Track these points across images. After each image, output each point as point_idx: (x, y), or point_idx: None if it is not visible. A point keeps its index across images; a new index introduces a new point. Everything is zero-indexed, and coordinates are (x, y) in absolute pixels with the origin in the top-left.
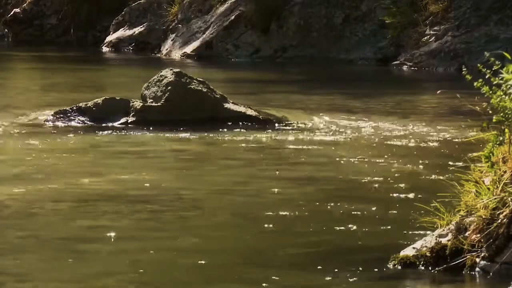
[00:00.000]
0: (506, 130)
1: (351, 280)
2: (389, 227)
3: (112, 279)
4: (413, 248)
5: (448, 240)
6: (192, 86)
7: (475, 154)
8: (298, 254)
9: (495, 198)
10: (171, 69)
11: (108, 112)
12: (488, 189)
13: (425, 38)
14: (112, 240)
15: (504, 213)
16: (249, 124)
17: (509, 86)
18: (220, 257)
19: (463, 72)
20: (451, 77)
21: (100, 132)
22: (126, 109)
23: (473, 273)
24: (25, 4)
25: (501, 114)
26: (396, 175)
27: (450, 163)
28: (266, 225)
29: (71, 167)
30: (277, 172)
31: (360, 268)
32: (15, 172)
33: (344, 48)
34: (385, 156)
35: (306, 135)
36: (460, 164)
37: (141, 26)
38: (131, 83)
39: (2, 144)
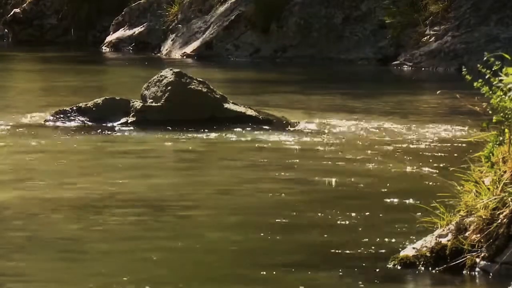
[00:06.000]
0: (506, 130)
1: (351, 280)
2: (389, 227)
3: (112, 279)
4: (413, 248)
5: (448, 240)
6: (192, 86)
7: (475, 154)
8: (298, 254)
9: (495, 198)
10: (171, 69)
11: (108, 112)
12: (488, 189)
13: (425, 38)
14: (112, 240)
15: (504, 213)
16: (249, 124)
17: (508, 87)
18: (220, 257)
19: (463, 72)
20: (451, 77)
21: (100, 132)
22: (126, 109)
23: (473, 273)
24: (25, 4)
25: (501, 114)
26: (396, 175)
27: (450, 163)
28: (265, 225)
29: (71, 167)
30: (276, 174)
31: (360, 268)
32: (15, 172)
33: (344, 48)
34: (385, 156)
35: (306, 135)
36: (460, 164)
37: (141, 26)
38: (131, 83)
39: (2, 144)
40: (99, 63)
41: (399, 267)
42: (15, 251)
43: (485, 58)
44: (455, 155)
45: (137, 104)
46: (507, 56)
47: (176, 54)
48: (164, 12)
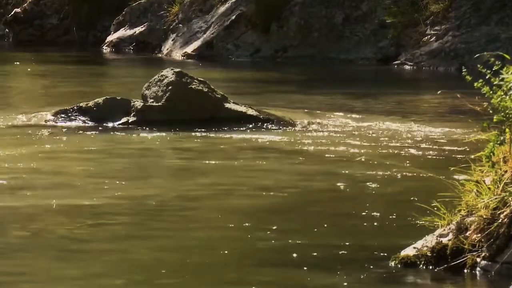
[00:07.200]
0: (507, 129)
1: (351, 280)
2: (389, 227)
3: (112, 279)
4: (414, 247)
5: (449, 240)
6: (193, 86)
7: (476, 154)
8: (298, 254)
9: (496, 198)
10: (171, 69)
11: (109, 112)
12: (489, 188)
13: (426, 38)
14: (112, 240)
15: (505, 213)
16: (250, 124)
17: (509, 86)
18: (220, 257)
19: (463, 73)
20: (452, 77)
21: (101, 132)
22: (127, 109)
23: (473, 272)
24: (25, 4)
25: (502, 114)
26: (396, 174)
27: (451, 163)
28: (266, 225)
29: (72, 166)
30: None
31: (360, 268)
32: (15, 172)
33: (344, 48)
34: (386, 156)
35: (307, 135)
36: (461, 164)
37: (141, 26)
38: (132, 83)
39: (3, 144)
40: (100, 63)
41: (400, 267)
42: (15, 250)
43: (476, 56)
44: (456, 154)
45: (138, 104)
46: (506, 56)
47: (177, 54)
48: (165, 12)
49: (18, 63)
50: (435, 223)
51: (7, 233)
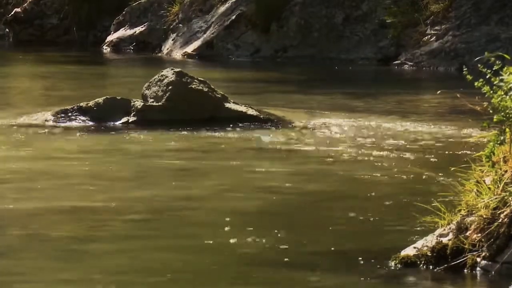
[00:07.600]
0: (507, 129)
1: (351, 280)
2: (390, 227)
3: (112, 279)
4: (414, 247)
5: (449, 240)
6: (193, 86)
7: (476, 153)
8: (298, 254)
9: (496, 198)
10: (172, 69)
11: (109, 112)
12: (489, 188)
13: (426, 37)
14: (113, 240)
15: (505, 213)
16: (250, 123)
17: (509, 86)
18: (220, 257)
19: (463, 72)
20: (452, 77)
21: (101, 132)
22: (127, 108)
23: (474, 272)
24: (25, 4)
25: (502, 113)
26: (396, 174)
27: (451, 162)
28: (266, 226)
29: (72, 166)
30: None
31: (360, 268)
32: (15, 172)
33: (344, 48)
34: (386, 156)
35: (307, 135)
36: (461, 163)
37: (141, 26)
38: (132, 82)
39: (3, 144)
40: (100, 63)
41: (400, 267)
42: (15, 250)
43: (477, 59)
44: (456, 154)
45: (138, 103)
46: (506, 56)
47: (177, 54)
48: (165, 12)
49: (28, 64)
50: (435, 223)
51: (7, 233)
